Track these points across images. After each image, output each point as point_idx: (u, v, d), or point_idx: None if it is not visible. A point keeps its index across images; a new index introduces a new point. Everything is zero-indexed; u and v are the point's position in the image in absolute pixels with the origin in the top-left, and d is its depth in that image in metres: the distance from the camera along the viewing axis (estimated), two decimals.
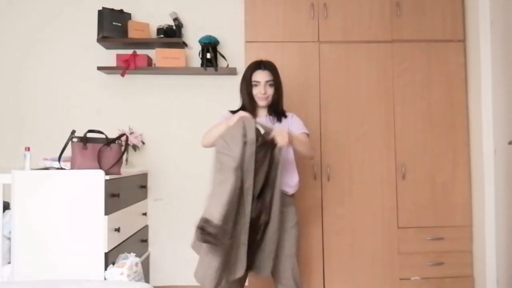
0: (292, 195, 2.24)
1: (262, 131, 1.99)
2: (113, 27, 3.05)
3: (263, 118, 2.26)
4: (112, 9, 3.06)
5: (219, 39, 3.12)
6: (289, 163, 2.20)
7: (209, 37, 3.06)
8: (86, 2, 3.19)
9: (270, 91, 2.21)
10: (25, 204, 2.18)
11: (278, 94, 2.24)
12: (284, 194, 2.14)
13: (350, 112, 2.93)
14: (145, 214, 3.06)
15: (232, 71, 3.11)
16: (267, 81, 2.20)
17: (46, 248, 2.17)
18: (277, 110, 2.26)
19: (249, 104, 2.22)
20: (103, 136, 2.37)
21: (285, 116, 2.28)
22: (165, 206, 3.19)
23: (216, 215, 1.74)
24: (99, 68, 3.09)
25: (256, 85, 2.21)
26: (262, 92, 2.19)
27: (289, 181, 2.19)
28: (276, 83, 2.23)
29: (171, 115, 3.21)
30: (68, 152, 2.32)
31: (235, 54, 3.16)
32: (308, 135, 2.27)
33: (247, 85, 2.22)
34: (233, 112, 2.21)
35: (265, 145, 1.94)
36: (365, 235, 2.89)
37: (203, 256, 1.91)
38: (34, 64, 3.20)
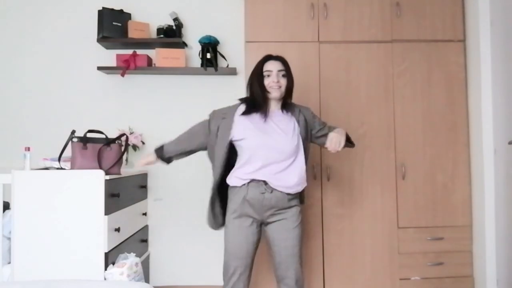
0: (295, 195, 2.17)
1: None
2: (113, 27, 3.05)
3: (276, 112, 2.19)
4: (112, 9, 3.06)
5: (219, 39, 3.12)
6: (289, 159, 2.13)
7: (209, 37, 3.06)
8: (86, 2, 3.19)
9: (283, 81, 2.15)
10: (25, 204, 2.18)
11: (291, 86, 2.18)
12: (283, 193, 2.12)
13: (350, 112, 2.93)
14: (145, 214, 3.06)
15: (232, 71, 3.11)
16: (279, 70, 2.15)
17: (46, 248, 2.17)
18: (286, 101, 2.20)
19: (260, 97, 2.14)
20: (103, 136, 2.37)
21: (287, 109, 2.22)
22: (165, 206, 3.18)
23: None
24: (99, 68, 3.09)
25: (268, 75, 2.15)
26: (275, 80, 2.12)
27: (287, 180, 2.12)
28: (288, 74, 2.18)
29: (171, 115, 3.21)
30: (68, 152, 2.32)
31: (235, 54, 3.16)
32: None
33: (258, 76, 2.15)
34: (242, 100, 2.23)
35: None
36: (365, 235, 2.89)
37: None
38: (34, 64, 3.20)
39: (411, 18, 2.95)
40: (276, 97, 2.16)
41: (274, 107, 2.20)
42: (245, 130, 2.13)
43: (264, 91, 2.14)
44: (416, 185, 2.92)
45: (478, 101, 2.84)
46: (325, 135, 2.20)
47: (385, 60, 2.94)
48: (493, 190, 2.74)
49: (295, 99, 2.41)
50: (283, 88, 2.16)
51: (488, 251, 2.75)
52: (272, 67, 2.16)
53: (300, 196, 2.26)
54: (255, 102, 2.16)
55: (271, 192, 2.09)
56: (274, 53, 2.25)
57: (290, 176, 2.11)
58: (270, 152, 2.09)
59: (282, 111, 2.21)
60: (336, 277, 2.87)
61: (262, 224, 2.20)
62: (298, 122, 2.20)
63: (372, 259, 2.88)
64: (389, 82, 2.94)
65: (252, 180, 2.09)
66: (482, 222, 2.80)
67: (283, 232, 2.13)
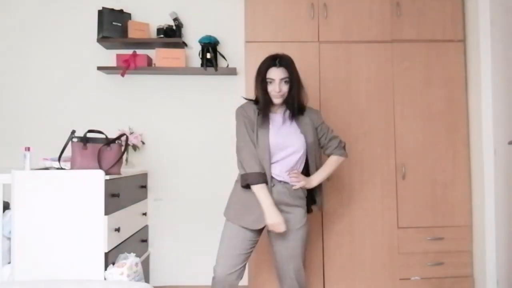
0: (302, 190, 2.18)
1: None
2: (113, 27, 3.05)
3: (279, 115, 2.19)
4: (112, 9, 3.06)
5: (219, 39, 3.12)
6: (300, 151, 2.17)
7: (209, 37, 3.06)
8: (86, 2, 3.20)
9: (285, 88, 2.13)
10: (25, 204, 2.18)
11: (296, 89, 2.16)
12: (290, 187, 2.13)
13: (350, 112, 2.93)
14: (145, 214, 3.06)
15: (232, 71, 3.11)
16: (281, 79, 2.12)
17: (46, 248, 2.17)
18: (294, 105, 2.17)
19: (263, 101, 2.15)
20: (103, 136, 2.37)
21: (302, 114, 2.21)
22: (165, 206, 3.18)
23: None
24: (99, 68, 3.09)
25: (270, 82, 2.13)
26: (276, 90, 2.11)
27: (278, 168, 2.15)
28: (292, 79, 2.14)
29: (171, 115, 3.21)
30: (68, 152, 2.32)
31: (235, 54, 3.16)
32: (332, 131, 2.32)
33: (261, 81, 2.14)
34: (248, 99, 2.25)
35: None
36: (365, 235, 2.89)
37: None
38: (34, 64, 3.20)
39: (411, 18, 2.95)
40: (278, 103, 2.17)
41: (278, 109, 2.21)
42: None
43: (267, 96, 2.15)
44: (416, 185, 2.92)
45: (478, 101, 2.84)
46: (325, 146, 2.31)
47: (385, 60, 2.94)
48: (493, 190, 2.74)
49: None
50: (285, 95, 2.16)
51: (488, 251, 2.75)
52: (274, 75, 2.13)
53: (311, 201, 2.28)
54: (260, 106, 2.18)
55: (274, 186, 2.11)
56: (275, 53, 2.22)
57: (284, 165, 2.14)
58: (283, 153, 2.15)
59: (285, 115, 2.20)
60: (336, 277, 2.87)
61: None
62: (306, 123, 2.22)
63: (372, 259, 2.88)
64: (389, 82, 2.94)
65: None
66: (482, 222, 2.81)
67: (286, 232, 2.12)
